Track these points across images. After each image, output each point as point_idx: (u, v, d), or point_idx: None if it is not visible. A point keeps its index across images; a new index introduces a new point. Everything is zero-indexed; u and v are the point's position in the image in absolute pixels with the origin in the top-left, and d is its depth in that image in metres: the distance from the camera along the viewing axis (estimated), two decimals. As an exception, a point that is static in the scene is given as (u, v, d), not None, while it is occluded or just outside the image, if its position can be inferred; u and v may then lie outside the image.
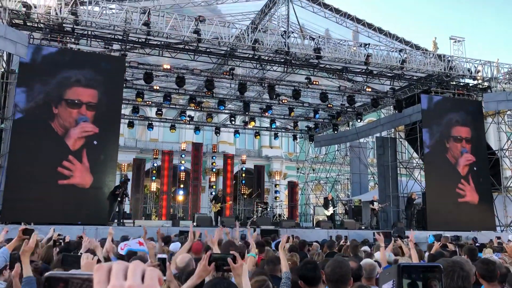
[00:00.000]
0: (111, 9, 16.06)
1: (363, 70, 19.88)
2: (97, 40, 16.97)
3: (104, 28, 16.19)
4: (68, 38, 16.37)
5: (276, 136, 30.57)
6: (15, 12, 15.30)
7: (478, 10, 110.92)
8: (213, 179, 29.90)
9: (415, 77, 21.07)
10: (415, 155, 24.16)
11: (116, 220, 16.95)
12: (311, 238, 13.40)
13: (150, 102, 24.52)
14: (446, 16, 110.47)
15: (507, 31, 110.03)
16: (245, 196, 29.09)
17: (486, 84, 21.48)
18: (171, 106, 24.73)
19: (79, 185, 14.83)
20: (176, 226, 16.64)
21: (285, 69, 19.79)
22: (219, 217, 19.44)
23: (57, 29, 16.05)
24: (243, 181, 28.63)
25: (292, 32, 18.49)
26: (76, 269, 3.29)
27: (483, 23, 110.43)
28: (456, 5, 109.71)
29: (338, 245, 9.12)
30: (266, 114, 25.27)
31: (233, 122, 26.55)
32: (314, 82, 20.77)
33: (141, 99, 21.55)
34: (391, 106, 24.20)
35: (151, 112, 29.34)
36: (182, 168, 27.28)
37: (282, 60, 18.98)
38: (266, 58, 18.93)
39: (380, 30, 20.08)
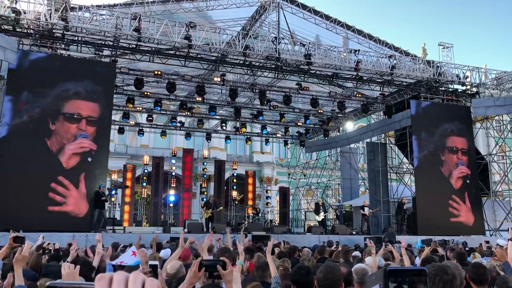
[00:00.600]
0: (101, 15, 16.01)
1: (353, 76, 20.02)
2: (88, 46, 16.90)
3: (95, 34, 16.13)
4: (58, 44, 16.29)
5: (267, 141, 30.62)
6: (4, 17, 15.19)
7: (467, 16, 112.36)
8: (204, 185, 29.83)
9: (404, 83, 21.26)
10: (405, 160, 24.32)
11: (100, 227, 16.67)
12: (303, 244, 13.40)
13: (140, 108, 24.44)
14: (435, 22, 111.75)
15: (495, 37, 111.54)
16: (236, 202, 29.04)
17: (474, 89, 21.73)
18: (161, 112, 24.68)
19: (72, 213, 14.51)
20: (167, 233, 16.55)
21: (276, 75, 19.87)
22: (210, 223, 19.37)
23: (47, 35, 15.96)
24: (234, 187, 28.59)
25: (283, 38, 18.58)
26: (58, 279, 3.27)
27: (472, 30, 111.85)
28: (444, 12, 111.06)
29: (329, 251, 9.14)
30: (257, 120, 25.31)
31: (224, 128, 26.53)
32: (305, 88, 20.87)
33: (131, 105, 21.48)
34: (381, 112, 24.38)
35: (142, 118, 29.24)
36: (173, 174, 27.19)
37: (273, 66, 19.05)
38: (257, 64, 18.99)
39: (370, 37, 20.25)
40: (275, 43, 17.73)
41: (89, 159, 15.21)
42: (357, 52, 18.79)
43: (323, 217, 21.47)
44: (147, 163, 26.95)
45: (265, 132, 28.08)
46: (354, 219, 24.52)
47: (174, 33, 16.39)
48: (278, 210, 29.59)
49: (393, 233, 18.06)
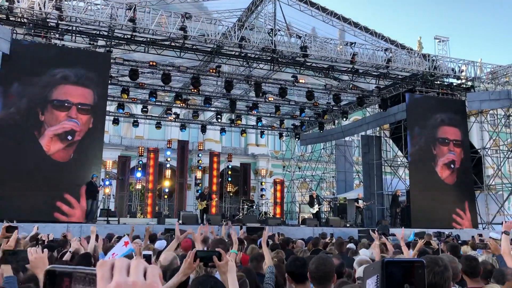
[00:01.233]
0: (96, 4, 15.86)
1: (349, 69, 20.00)
2: (82, 36, 16.76)
3: (89, 24, 15.99)
4: (52, 33, 16.14)
5: (262, 134, 30.60)
6: (-3, 6, 15.03)
7: (462, 10, 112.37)
8: (199, 176, 29.81)
9: (400, 76, 21.27)
10: (399, 153, 24.40)
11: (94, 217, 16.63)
12: (297, 236, 13.46)
13: (135, 99, 24.32)
14: (431, 16, 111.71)
15: (490, 32, 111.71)
16: (231, 194, 29.08)
17: (469, 83, 21.78)
18: (156, 103, 24.57)
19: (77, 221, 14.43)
20: (161, 224, 16.54)
21: (272, 67, 19.80)
22: (205, 214, 19.39)
23: (41, 24, 15.81)
24: (229, 179, 28.60)
25: (279, 30, 18.51)
26: (26, 264, 3.25)
27: (467, 24, 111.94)
28: (440, 5, 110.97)
29: (323, 243, 9.18)
30: (253, 112, 25.27)
31: (219, 120, 26.49)
32: (301, 80, 20.82)
33: (126, 96, 21.37)
34: (376, 105, 24.41)
35: (137, 109, 29.11)
36: (168, 165, 27.13)
37: (269, 58, 18.98)
38: (253, 56, 18.92)
39: (366, 29, 20.21)
40: (271, 34, 17.65)
41: (69, 137, 14.74)
42: (353, 44, 18.76)
43: (317, 210, 21.54)
44: (142, 154, 26.86)
45: (260, 124, 28.04)
46: (348, 211, 24.62)
47: (170, 23, 16.27)
48: (273, 202, 29.66)
49: (386, 226, 18.16)
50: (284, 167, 32.93)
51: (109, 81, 18.36)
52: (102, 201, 20.82)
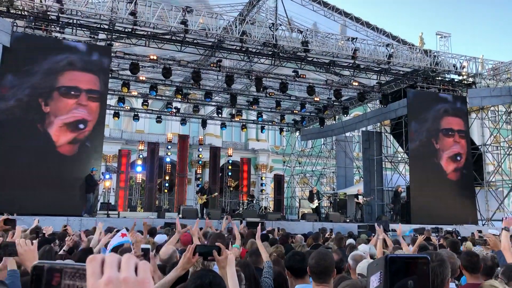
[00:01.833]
0: (97, -3, 15.82)
1: (350, 64, 19.94)
2: (83, 29, 16.71)
3: (90, 17, 15.94)
4: (53, 26, 16.09)
5: (262, 129, 30.58)
6: (-2, -1, 14.98)
7: (464, 6, 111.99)
8: (199, 171, 29.82)
9: (401, 72, 21.22)
10: (400, 149, 24.40)
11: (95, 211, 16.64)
12: (297, 231, 13.48)
13: (136, 93, 24.29)
14: (432, 11, 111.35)
15: (492, 28, 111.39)
16: (231, 189, 29.10)
17: (470, 79, 21.73)
18: (157, 97, 24.53)
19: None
20: (161, 218, 16.58)
21: (273, 61, 19.75)
22: (205, 209, 19.42)
23: (41, 17, 15.76)
24: (229, 174, 28.61)
25: (280, 25, 18.44)
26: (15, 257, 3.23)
27: (469, 19, 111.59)
28: (442, 1, 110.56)
29: (323, 238, 9.19)
30: (253, 107, 25.23)
31: (220, 115, 26.48)
32: (302, 76, 20.78)
33: (127, 90, 21.34)
34: (377, 101, 24.37)
35: (137, 103, 29.08)
36: (168, 160, 27.15)
37: (270, 53, 18.93)
38: (254, 50, 18.86)
39: (367, 25, 20.14)
40: (272, 29, 17.59)
41: (81, 126, 14.58)
42: (355, 40, 18.69)
43: (317, 205, 21.56)
44: (142, 148, 26.86)
45: (261, 119, 28.01)
46: (348, 207, 24.64)
47: (171, 17, 16.21)
48: (273, 197, 29.68)
49: (386, 221, 18.18)
50: (284, 162, 32.93)
51: (110, 75, 18.33)
52: (102, 194, 20.84)
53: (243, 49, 18.51)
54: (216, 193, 22.73)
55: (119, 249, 4.61)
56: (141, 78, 21.23)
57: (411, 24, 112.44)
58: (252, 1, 19.15)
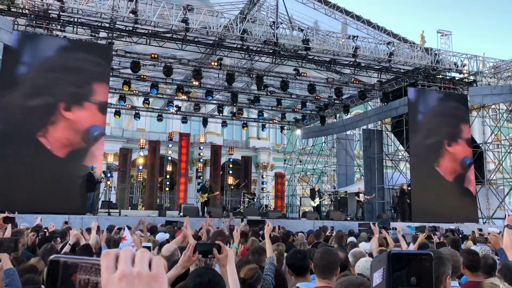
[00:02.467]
0: (98, -4, 15.81)
1: (351, 63, 19.92)
2: (84, 27, 16.71)
3: (91, 15, 15.94)
4: (54, 25, 16.09)
5: (263, 127, 30.57)
6: (-1, -3, 14.98)
7: (466, 4, 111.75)
8: (200, 169, 29.83)
9: (402, 70, 21.19)
10: (401, 147, 24.38)
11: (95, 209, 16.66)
12: (297, 229, 13.50)
13: (137, 91, 24.29)
14: (434, 9, 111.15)
15: (493, 26, 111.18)
16: (232, 187, 29.11)
17: (471, 78, 21.70)
18: (158, 95, 24.54)
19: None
20: (162, 216, 16.60)
21: (274, 60, 19.74)
22: (206, 207, 19.44)
23: (42, 16, 15.76)
24: (230, 172, 28.62)
25: (281, 23, 18.42)
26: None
27: (470, 17, 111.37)
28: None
29: (324, 236, 9.19)
30: (254, 105, 25.22)
31: (221, 114, 26.46)
32: (302, 74, 20.76)
33: (128, 88, 21.34)
34: (378, 99, 24.35)
35: (138, 102, 29.09)
36: (169, 158, 27.14)
37: (271, 51, 18.92)
38: (255, 48, 18.85)
39: (368, 23, 20.11)
40: (273, 27, 17.58)
41: (96, 133, 15.31)
42: (356, 38, 18.67)
43: (318, 203, 21.57)
44: (143, 147, 26.87)
45: (262, 117, 28.00)
46: (348, 205, 24.65)
47: (171, 16, 16.21)
48: (274, 195, 29.68)
49: (387, 219, 18.16)
50: (285, 160, 32.93)
51: (111, 73, 18.35)
52: (103, 193, 20.86)
53: (244, 47, 18.49)
54: (217, 192, 22.74)
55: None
56: (142, 76, 21.23)
57: (412, 22, 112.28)
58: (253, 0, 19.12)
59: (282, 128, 31.00)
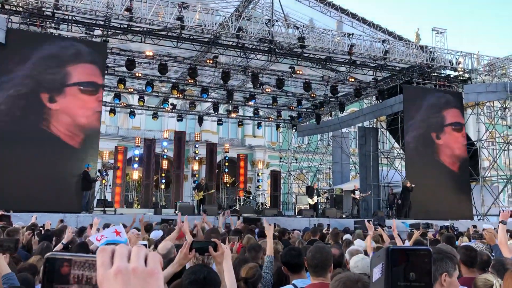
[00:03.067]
0: (92, -7, 15.72)
1: (347, 60, 19.95)
2: (78, 25, 16.63)
3: (86, 13, 15.86)
4: (48, 22, 16.00)
5: (259, 125, 30.58)
6: (-8, -6, 14.88)
7: (461, 2, 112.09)
8: (195, 167, 29.80)
9: (397, 68, 21.24)
10: (396, 145, 24.46)
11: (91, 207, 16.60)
12: (293, 226, 13.51)
13: (132, 89, 24.22)
14: (429, 7, 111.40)
15: (488, 24, 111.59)
16: (228, 185, 29.11)
17: (466, 75, 21.78)
18: (153, 93, 24.47)
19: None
20: (158, 215, 16.58)
21: (269, 58, 19.73)
22: (201, 205, 19.43)
23: (36, 13, 15.67)
24: (226, 170, 28.62)
25: (276, 21, 18.41)
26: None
27: (465, 15, 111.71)
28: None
29: (320, 234, 9.21)
30: (250, 103, 25.21)
31: (216, 112, 26.42)
32: (298, 72, 20.76)
33: (123, 86, 21.28)
34: (374, 97, 24.41)
35: (133, 100, 29.00)
36: (165, 156, 27.10)
37: (266, 49, 18.91)
38: (250, 46, 18.83)
39: (364, 20, 20.12)
40: (268, 25, 17.57)
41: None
42: (351, 36, 18.69)
43: (316, 201, 21.61)
44: (139, 145, 26.80)
45: (257, 115, 28.00)
46: (344, 202, 24.69)
47: (166, 13, 16.16)
48: (269, 193, 29.69)
49: (382, 216, 18.20)
50: (281, 158, 32.96)
51: (106, 71, 18.28)
52: (99, 191, 20.80)
53: (239, 45, 18.47)
54: (213, 190, 22.74)
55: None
56: (137, 74, 21.17)
57: (407, 20, 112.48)
58: (248, -3, 19.09)
59: (277, 126, 31.02)
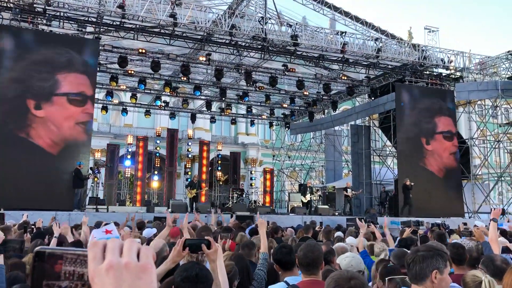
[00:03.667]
0: (84, -10, 15.62)
1: (339, 58, 19.99)
2: (70, 22, 16.52)
3: (77, 9, 15.75)
4: (39, 19, 15.87)
5: (252, 123, 30.58)
6: (-17, -10, 14.74)
7: (453, 0, 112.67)
8: (188, 165, 29.75)
9: (390, 66, 21.33)
10: (388, 143, 24.58)
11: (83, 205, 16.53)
12: (286, 224, 13.53)
13: (124, 87, 24.10)
14: (421, 5, 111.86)
15: (480, 23, 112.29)
16: (221, 183, 29.09)
17: (458, 74, 21.93)
18: (146, 91, 24.38)
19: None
20: (150, 212, 16.54)
21: (262, 55, 19.74)
22: (194, 203, 19.40)
23: (27, 10, 15.54)
24: (219, 168, 28.60)
25: (270, 19, 18.41)
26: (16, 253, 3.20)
27: (457, 14, 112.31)
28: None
29: (313, 231, 9.24)
30: (243, 101, 25.21)
31: (209, 110, 26.38)
32: (291, 70, 20.79)
33: (115, 83, 21.18)
34: (366, 95, 24.50)
35: (126, 97, 28.87)
36: (157, 154, 27.02)
37: (259, 47, 18.91)
38: (243, 44, 18.82)
39: (356, 19, 20.18)
40: (261, 23, 17.56)
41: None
42: (344, 34, 18.75)
43: (309, 199, 21.67)
44: (131, 142, 26.70)
45: (250, 113, 28.00)
46: (337, 200, 24.79)
47: (159, 10, 16.10)
48: (262, 191, 29.73)
49: (374, 214, 18.32)
50: (274, 156, 33.00)
51: (98, 69, 18.18)
52: (91, 189, 20.72)
53: (233, 42, 18.46)
54: (206, 188, 22.72)
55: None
56: (129, 71, 21.07)
57: (399, 18, 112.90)
58: (241, -5, 19.07)
59: (270, 124, 31.05)
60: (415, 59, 20.16)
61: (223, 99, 24.66)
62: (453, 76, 22.16)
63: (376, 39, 19.41)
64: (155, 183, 27.32)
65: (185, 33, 17.84)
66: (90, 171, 16.57)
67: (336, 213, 20.73)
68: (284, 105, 27.62)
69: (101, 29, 17.14)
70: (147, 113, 27.17)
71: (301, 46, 18.46)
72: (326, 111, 27.96)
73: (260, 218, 5.23)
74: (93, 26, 16.92)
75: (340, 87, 24.18)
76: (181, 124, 33.88)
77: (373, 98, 22.73)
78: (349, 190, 21.14)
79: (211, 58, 19.76)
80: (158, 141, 27.44)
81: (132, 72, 21.29)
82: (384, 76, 22.27)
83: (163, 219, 11.62)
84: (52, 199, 14.05)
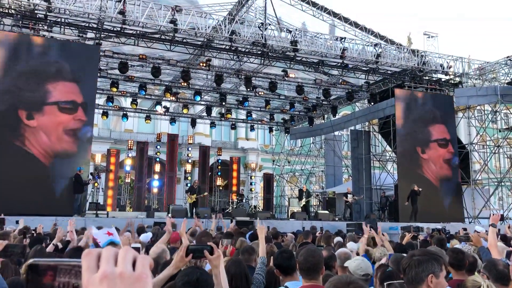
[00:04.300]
0: (85, -4, 15.72)
1: (339, 64, 20.06)
2: (71, 28, 16.59)
3: (78, 15, 15.83)
4: (40, 25, 15.94)
5: (252, 128, 30.61)
6: (-16, -3, 14.81)
7: (452, 6, 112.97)
8: (188, 170, 29.75)
9: (389, 72, 21.39)
10: (388, 148, 24.60)
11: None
12: (286, 229, 13.54)
13: (125, 92, 24.16)
14: (420, 11, 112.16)
15: (479, 28, 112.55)
16: (221, 188, 29.09)
17: (457, 79, 21.99)
18: (146, 96, 24.43)
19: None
20: (151, 217, 16.54)
21: (262, 61, 19.81)
22: (194, 208, 19.39)
23: (29, 16, 15.62)
24: (219, 173, 28.60)
25: (269, 24, 18.49)
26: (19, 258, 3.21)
27: (457, 20, 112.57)
28: (430, 0, 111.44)
29: (313, 236, 9.25)
30: (243, 106, 25.26)
31: (209, 115, 26.43)
32: (290, 75, 20.86)
33: (116, 89, 21.23)
34: (366, 100, 24.54)
35: (126, 102, 28.93)
36: (157, 159, 27.04)
37: (259, 52, 18.98)
38: (243, 50, 18.89)
39: (356, 24, 20.27)
40: (261, 29, 17.64)
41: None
42: (343, 40, 18.82)
43: (305, 203, 21.67)
44: (131, 148, 26.71)
45: (250, 118, 28.05)
46: (337, 205, 24.76)
47: (160, 16, 16.18)
48: (262, 196, 29.71)
49: (374, 219, 18.29)
50: (273, 161, 33.00)
51: (98, 74, 18.24)
52: (91, 194, 20.72)
53: (233, 48, 18.53)
54: (205, 193, 22.72)
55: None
56: (130, 77, 21.13)
57: (399, 24, 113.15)
58: (241, 1, 19.16)
59: (270, 129, 31.09)
60: (414, 64, 20.22)
61: (223, 104, 24.72)
62: (453, 82, 22.22)
63: (376, 45, 19.49)
64: (155, 189, 27.29)
65: (186, 39, 17.91)
66: (90, 176, 16.59)
67: (336, 219, 20.70)
68: (284, 110, 27.67)
69: (102, 35, 17.21)
70: (148, 118, 27.21)
71: (300, 52, 18.53)
72: (326, 116, 28.00)
73: (260, 223, 5.25)
74: (94, 32, 16.99)
75: (339, 92, 24.24)
76: (181, 129, 33.89)
77: (372, 103, 22.79)
78: (349, 195, 21.12)
79: (211, 64, 19.84)
80: (158, 146, 27.47)
81: (133, 77, 21.35)
82: (383, 82, 22.32)
83: (163, 224, 11.62)
84: (53, 205, 14.05)
